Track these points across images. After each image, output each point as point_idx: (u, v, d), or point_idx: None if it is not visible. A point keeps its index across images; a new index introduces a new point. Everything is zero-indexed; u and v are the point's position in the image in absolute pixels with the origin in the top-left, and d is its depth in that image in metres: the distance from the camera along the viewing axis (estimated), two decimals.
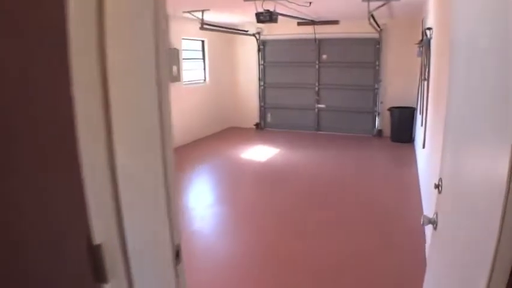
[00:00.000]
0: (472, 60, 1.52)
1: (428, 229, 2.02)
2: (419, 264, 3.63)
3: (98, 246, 0.98)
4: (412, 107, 8.88)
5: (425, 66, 5.41)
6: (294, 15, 8.05)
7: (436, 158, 3.46)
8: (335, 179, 6.74)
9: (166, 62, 1.22)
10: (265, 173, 7.25)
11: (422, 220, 2.09)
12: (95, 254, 0.99)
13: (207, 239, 4.66)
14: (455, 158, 1.78)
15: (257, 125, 11.33)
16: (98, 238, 0.98)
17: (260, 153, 8.54)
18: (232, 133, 10.85)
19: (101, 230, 0.98)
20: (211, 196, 6.23)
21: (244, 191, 6.33)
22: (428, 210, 4.22)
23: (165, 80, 1.22)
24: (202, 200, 6.01)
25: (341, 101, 10.36)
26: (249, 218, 5.23)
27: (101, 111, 0.97)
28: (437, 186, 2.05)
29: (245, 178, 6.97)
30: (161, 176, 1.23)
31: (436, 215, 2.02)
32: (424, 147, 5.50)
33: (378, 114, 9.90)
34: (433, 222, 2.03)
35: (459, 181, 1.67)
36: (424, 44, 5.61)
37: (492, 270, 1.03)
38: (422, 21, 7.02)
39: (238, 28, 10.47)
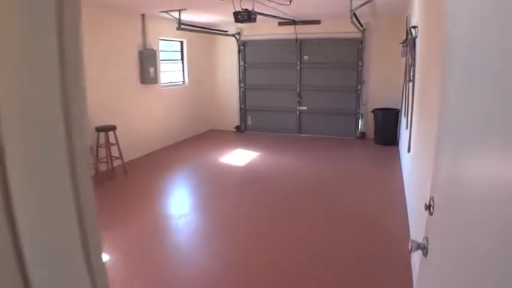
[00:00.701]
0: (474, 59, 1.24)
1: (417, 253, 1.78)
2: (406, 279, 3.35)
3: None
4: (396, 109, 8.68)
5: (410, 66, 5.17)
6: (274, 14, 7.78)
7: (423, 165, 3.19)
8: (316, 184, 6.45)
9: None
10: (245, 178, 6.95)
11: (410, 245, 1.80)
12: None
13: (184, 249, 4.34)
14: (454, 171, 1.49)
15: (237, 127, 11.03)
16: None
17: (240, 156, 8.24)
18: (212, 136, 10.54)
19: None
20: (188, 202, 5.89)
21: (223, 196, 6.01)
22: (413, 221, 3.95)
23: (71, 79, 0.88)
24: (179, 207, 5.69)
25: (323, 103, 10.11)
26: (228, 225, 4.93)
27: None
28: (428, 207, 1.76)
29: (224, 183, 6.65)
30: (77, 231, 0.90)
31: (427, 239, 1.74)
32: (409, 151, 5.25)
33: (361, 116, 9.67)
34: (423, 248, 1.74)
35: (459, 198, 1.37)
36: (409, 43, 5.38)
37: None
38: (407, 20, 6.80)
39: (218, 28, 10.17)
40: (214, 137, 10.48)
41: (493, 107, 1.06)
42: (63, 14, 0.77)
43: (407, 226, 4.60)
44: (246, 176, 7.07)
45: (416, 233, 2.71)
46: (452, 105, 1.59)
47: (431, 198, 1.74)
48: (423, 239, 1.78)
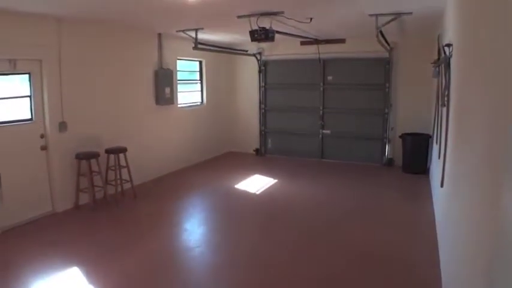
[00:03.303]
0: None
1: None
2: None
3: None
4: (427, 134, 8.02)
5: (444, 88, 4.60)
6: (294, 33, 7.34)
7: (465, 210, 2.61)
8: (337, 218, 5.84)
9: None
10: (261, 209, 6.42)
11: None
12: None
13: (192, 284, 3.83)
14: None
15: (257, 150, 10.56)
16: None
17: (257, 183, 7.73)
18: (230, 158, 10.13)
19: None
20: (192, 236, 5.36)
21: (232, 230, 5.50)
22: (445, 261, 3.34)
23: None
24: (186, 239, 5.24)
25: (348, 126, 9.55)
26: (231, 265, 4.41)
27: None
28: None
29: (235, 214, 6.13)
30: None
31: None
32: (442, 185, 4.63)
33: (389, 142, 9.05)
34: None
35: None
36: (442, 63, 4.81)
37: None
38: (439, 38, 6.25)
39: (238, 48, 9.83)
40: (232, 159, 10.06)
41: None
42: None
43: (438, 263, 3.99)
44: (262, 206, 6.52)
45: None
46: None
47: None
48: None
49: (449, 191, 3.95)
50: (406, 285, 3.91)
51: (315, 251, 4.74)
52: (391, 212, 6.18)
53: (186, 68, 9.29)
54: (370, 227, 5.50)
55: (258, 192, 7.17)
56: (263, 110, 10.49)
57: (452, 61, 4.30)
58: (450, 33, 4.67)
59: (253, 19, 5.80)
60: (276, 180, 7.92)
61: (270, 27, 5.99)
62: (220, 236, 5.36)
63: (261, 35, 5.97)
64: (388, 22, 5.75)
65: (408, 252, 4.64)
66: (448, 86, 4.41)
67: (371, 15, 5.68)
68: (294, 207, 6.40)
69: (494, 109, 1.68)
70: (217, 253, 4.78)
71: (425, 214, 5.81)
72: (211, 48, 8.63)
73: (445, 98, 4.52)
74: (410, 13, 5.53)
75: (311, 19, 6.09)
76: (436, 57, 6.29)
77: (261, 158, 10.25)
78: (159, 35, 7.88)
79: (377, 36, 6.18)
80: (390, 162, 9.05)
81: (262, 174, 8.42)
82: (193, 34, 7.43)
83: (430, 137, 7.64)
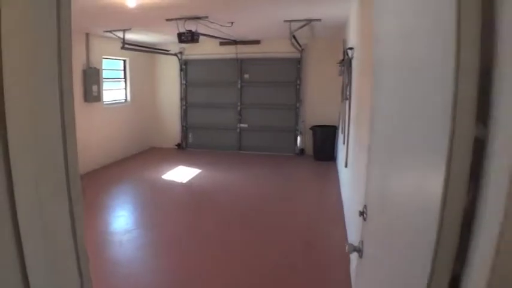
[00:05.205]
0: (398, 79, 1.44)
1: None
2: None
3: None
4: (334, 126, 9.09)
5: (347, 85, 5.52)
6: (216, 35, 7.98)
7: (359, 179, 3.46)
8: (257, 200, 6.62)
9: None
10: (187, 195, 7.02)
11: (347, 248, 1.99)
12: None
13: (126, 267, 4.30)
14: (381, 183, 1.70)
15: (179, 145, 11.05)
16: None
17: (181, 174, 8.26)
18: (153, 154, 10.48)
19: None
20: (130, 220, 5.82)
21: (165, 214, 6.02)
22: (351, 231, 4.22)
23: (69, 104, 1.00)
24: (120, 225, 5.62)
25: (263, 120, 10.40)
26: (170, 242, 4.96)
27: None
28: (362, 214, 1.98)
29: (166, 200, 6.65)
30: (68, 221, 1.01)
31: (362, 242, 1.94)
32: (346, 166, 5.58)
33: (300, 133, 10.04)
34: (359, 250, 1.94)
35: (386, 207, 1.58)
36: (346, 63, 5.73)
37: None
38: (344, 42, 7.22)
39: (160, 47, 10.24)
40: (157, 153, 10.44)
41: (400, 127, 1.27)
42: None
43: (346, 233, 4.90)
44: (187, 193, 7.13)
45: (355, 238, 2.93)
46: (378, 124, 1.81)
47: (365, 206, 1.96)
48: (359, 243, 1.98)
49: (351, 168, 4.87)
50: (321, 243, 4.76)
51: (245, 223, 5.47)
52: (305, 192, 7.13)
53: (111, 66, 9.51)
54: (289, 205, 6.35)
55: (184, 181, 7.71)
56: (184, 107, 11.00)
57: (354, 62, 5.23)
58: (352, 38, 5.60)
59: (180, 22, 6.35)
60: (199, 170, 8.52)
61: (196, 30, 6.58)
62: (154, 217, 5.86)
63: (188, 37, 6.53)
64: (301, 27, 6.60)
65: (322, 221, 5.55)
66: (350, 83, 5.33)
67: (286, 21, 6.49)
68: (220, 191, 7.09)
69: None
70: (154, 232, 5.31)
71: (334, 192, 6.82)
72: (137, 48, 8.97)
73: (348, 93, 5.45)
74: (320, 20, 6.40)
75: (232, 23, 6.77)
76: (341, 58, 7.26)
77: (183, 152, 10.75)
78: (87, 35, 8.10)
79: (290, 39, 7.02)
80: (302, 152, 10.05)
81: (186, 166, 8.97)
82: (120, 34, 7.76)
83: (337, 128, 8.70)
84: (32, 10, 0.89)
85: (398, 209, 1.38)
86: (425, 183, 1.08)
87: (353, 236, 3.91)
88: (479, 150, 0.83)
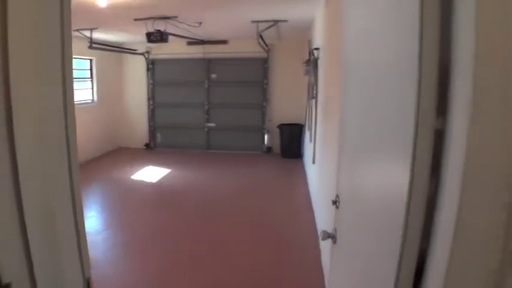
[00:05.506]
0: (367, 77, 1.57)
1: (326, 242, 2.10)
2: (317, 277, 3.76)
3: (7, 285, 0.86)
4: (300, 124, 9.29)
5: (313, 84, 5.70)
6: (184, 35, 8.03)
7: (328, 173, 3.63)
8: (227, 198, 6.74)
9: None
10: (156, 195, 7.06)
11: (321, 235, 2.14)
12: None
13: (97, 268, 4.29)
14: (352, 174, 1.85)
15: (147, 145, 11.01)
16: (6, 277, 0.85)
17: (150, 174, 8.28)
18: (121, 154, 10.41)
19: (10, 269, 0.85)
20: (99, 221, 5.80)
21: (135, 214, 6.05)
22: (321, 222, 4.40)
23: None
24: (90, 226, 5.57)
25: (231, 120, 10.51)
26: (141, 242, 5.01)
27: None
28: (334, 203, 2.12)
29: (136, 201, 6.68)
30: (70, 206, 1.10)
31: (335, 230, 2.09)
32: (314, 162, 5.76)
33: (267, 132, 10.20)
34: (332, 237, 2.09)
35: (357, 196, 1.73)
36: (312, 63, 5.91)
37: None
38: (309, 42, 7.41)
39: (127, 47, 10.18)
40: (125, 153, 10.38)
41: (379, 122, 1.41)
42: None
43: (315, 224, 5.10)
44: (157, 193, 7.16)
45: (324, 227, 3.08)
46: (348, 119, 1.95)
47: (337, 195, 2.11)
48: (332, 230, 2.13)
49: (319, 163, 5.06)
50: (291, 237, 4.93)
51: (216, 220, 5.59)
52: (274, 188, 7.30)
53: (78, 66, 9.38)
54: (259, 201, 6.50)
55: (153, 181, 7.74)
56: (152, 107, 10.97)
57: (319, 62, 5.41)
58: (318, 39, 5.79)
59: (149, 22, 6.37)
60: (168, 170, 8.56)
61: (165, 29, 6.62)
62: (124, 217, 5.90)
63: (157, 37, 6.56)
64: (268, 28, 6.75)
65: (291, 214, 5.73)
66: (316, 82, 5.52)
67: (253, 21, 6.62)
68: (189, 190, 7.17)
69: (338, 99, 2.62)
70: (125, 233, 5.34)
71: (302, 186, 7.05)
72: (105, 47, 8.89)
73: (314, 92, 5.63)
74: (286, 21, 6.58)
75: (200, 23, 6.85)
76: (307, 58, 7.46)
77: (152, 152, 10.73)
78: None
79: (257, 39, 7.16)
80: (269, 150, 10.22)
81: (155, 166, 8.98)
82: (88, 33, 7.69)
83: (303, 126, 8.90)
84: (38, 14, 0.98)
85: (368, 197, 1.53)
86: (393, 171, 1.22)
87: (322, 225, 4.09)
88: (439, 140, 0.99)
